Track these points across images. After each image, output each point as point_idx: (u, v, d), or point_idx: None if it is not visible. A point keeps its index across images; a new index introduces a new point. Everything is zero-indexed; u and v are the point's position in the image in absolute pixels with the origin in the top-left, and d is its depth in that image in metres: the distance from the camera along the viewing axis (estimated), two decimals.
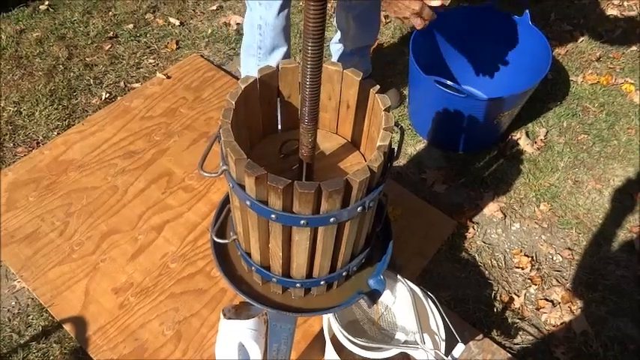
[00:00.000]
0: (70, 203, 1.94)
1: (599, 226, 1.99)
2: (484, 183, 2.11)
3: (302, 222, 0.82)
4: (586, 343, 1.70)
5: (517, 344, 1.69)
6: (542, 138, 2.27)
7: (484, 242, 1.94)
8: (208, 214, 1.92)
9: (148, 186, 2.00)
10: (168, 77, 2.42)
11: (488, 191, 2.08)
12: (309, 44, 0.72)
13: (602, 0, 2.96)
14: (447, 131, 2.15)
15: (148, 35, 2.66)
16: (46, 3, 2.77)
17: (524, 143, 2.24)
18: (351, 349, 1.29)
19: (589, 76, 2.53)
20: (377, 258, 1.11)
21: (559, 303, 1.79)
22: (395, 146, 0.95)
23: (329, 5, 2.56)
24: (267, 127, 1.04)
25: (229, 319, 1.10)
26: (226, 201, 1.11)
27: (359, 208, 0.84)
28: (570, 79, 2.53)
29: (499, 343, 1.67)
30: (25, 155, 2.10)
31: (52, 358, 1.60)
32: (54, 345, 1.62)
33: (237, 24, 2.73)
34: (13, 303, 1.72)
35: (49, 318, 1.68)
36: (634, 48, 2.68)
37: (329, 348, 1.42)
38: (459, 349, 1.26)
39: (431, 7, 1.33)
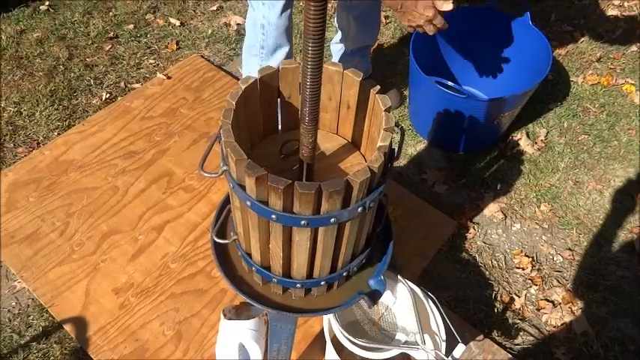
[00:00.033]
0: (71, 203, 1.94)
1: (600, 227, 1.99)
2: (484, 183, 2.11)
3: (302, 222, 0.81)
4: (586, 343, 1.70)
5: (518, 345, 1.69)
6: (543, 138, 2.27)
7: (485, 243, 1.94)
8: (209, 214, 1.92)
9: (149, 186, 2.00)
10: (169, 77, 2.42)
11: (488, 192, 2.08)
12: (310, 44, 0.72)
13: (603, 0, 2.96)
14: (447, 132, 2.15)
15: (148, 35, 2.66)
16: (47, 3, 2.77)
17: (524, 144, 2.24)
18: (351, 350, 1.29)
19: (589, 76, 2.53)
20: (377, 258, 1.11)
21: (559, 303, 1.78)
22: (395, 147, 0.95)
23: (329, 5, 2.56)
24: (267, 128, 1.04)
25: (230, 319, 1.10)
26: (227, 201, 1.11)
27: (359, 209, 0.83)
28: (571, 79, 2.53)
29: (500, 344, 1.67)
30: (25, 156, 2.10)
31: (52, 358, 1.60)
32: (54, 345, 1.62)
33: (238, 24, 2.73)
34: (14, 303, 1.72)
35: (50, 318, 1.68)
36: (634, 48, 2.68)
37: (329, 348, 1.42)
38: (459, 349, 1.26)
39: (441, 14, 1.37)
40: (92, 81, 2.41)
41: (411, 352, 1.34)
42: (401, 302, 1.45)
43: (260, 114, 0.99)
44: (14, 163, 2.07)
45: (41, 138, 2.18)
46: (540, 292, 1.81)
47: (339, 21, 2.10)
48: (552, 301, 1.79)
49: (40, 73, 2.42)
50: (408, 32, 2.71)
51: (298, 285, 1.00)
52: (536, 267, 1.88)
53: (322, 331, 1.51)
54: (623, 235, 1.97)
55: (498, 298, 1.79)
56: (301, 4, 2.61)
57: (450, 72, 2.33)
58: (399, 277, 1.36)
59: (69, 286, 1.73)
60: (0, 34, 2.59)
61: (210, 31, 2.69)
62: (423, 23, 1.39)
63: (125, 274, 1.77)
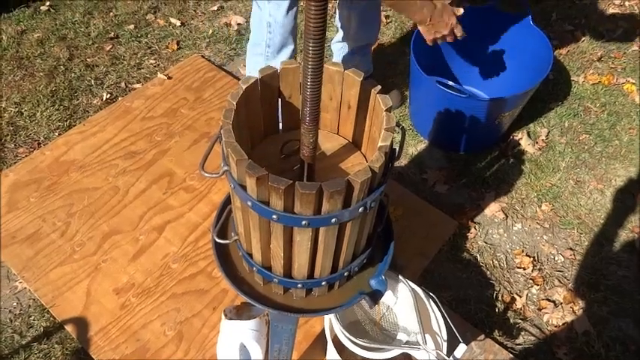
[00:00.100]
0: (72, 204, 1.94)
1: (601, 227, 1.99)
2: (485, 183, 2.11)
3: (303, 222, 0.81)
4: (588, 343, 1.69)
5: (519, 344, 1.69)
6: (544, 138, 2.27)
7: (485, 242, 1.94)
8: (209, 214, 1.92)
9: (149, 186, 2.00)
10: (169, 78, 2.42)
11: (489, 191, 2.07)
12: (310, 44, 0.72)
13: (604, 0, 2.96)
14: (448, 131, 2.15)
15: (148, 36, 2.66)
16: (47, 4, 2.77)
17: (525, 143, 2.23)
18: (352, 350, 1.29)
19: (590, 76, 2.53)
20: (378, 258, 1.11)
21: (561, 303, 1.78)
22: (396, 147, 0.95)
23: (330, 5, 2.56)
24: (268, 128, 1.03)
25: (231, 319, 1.10)
26: (227, 201, 1.11)
27: (360, 209, 0.83)
28: (572, 79, 2.53)
29: (501, 344, 1.66)
30: (26, 156, 2.10)
31: (53, 358, 1.60)
32: (55, 346, 1.62)
33: (238, 24, 2.73)
34: (15, 304, 1.73)
35: (51, 319, 1.68)
36: (635, 48, 2.67)
37: (330, 348, 1.42)
38: (460, 349, 1.26)
39: (459, 21, 1.54)
40: (93, 81, 2.41)
41: (413, 352, 1.34)
42: (402, 302, 1.45)
43: (261, 114, 0.99)
44: (15, 163, 2.08)
45: (42, 138, 2.18)
46: (541, 292, 1.81)
47: (340, 19, 2.10)
48: (553, 301, 1.79)
49: (41, 74, 2.42)
50: (409, 32, 2.71)
51: (299, 285, 0.99)
52: (538, 267, 1.87)
53: (323, 331, 1.51)
54: (624, 235, 1.97)
55: (499, 298, 1.79)
56: (301, 3, 2.61)
57: (451, 72, 2.33)
58: (400, 277, 1.36)
59: (70, 286, 1.74)
60: (1, 34, 2.59)
61: (210, 31, 2.69)
62: (448, 32, 1.54)
63: (126, 274, 1.77)
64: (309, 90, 0.78)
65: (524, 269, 1.86)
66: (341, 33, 2.15)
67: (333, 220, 0.82)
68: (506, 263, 1.88)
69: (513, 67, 2.22)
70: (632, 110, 2.39)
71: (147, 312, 1.68)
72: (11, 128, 2.20)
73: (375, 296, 1.04)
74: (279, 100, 0.99)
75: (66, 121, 2.24)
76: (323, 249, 0.90)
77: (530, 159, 2.19)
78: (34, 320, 1.68)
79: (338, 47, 2.23)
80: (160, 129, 2.20)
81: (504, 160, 2.19)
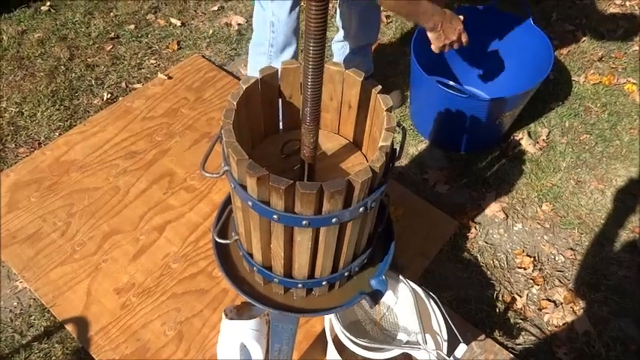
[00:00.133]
0: (72, 204, 1.94)
1: (602, 227, 1.98)
2: (486, 183, 2.11)
3: (304, 222, 0.81)
4: (588, 343, 1.69)
5: (519, 345, 1.69)
6: (545, 138, 2.27)
7: (486, 242, 1.94)
8: (210, 214, 1.92)
9: (150, 186, 2.00)
10: (170, 78, 2.42)
11: (490, 191, 2.07)
12: (311, 44, 0.72)
13: (604, 0, 2.96)
14: (448, 131, 2.15)
15: (149, 36, 2.66)
16: (48, 4, 2.77)
17: (526, 143, 2.23)
18: (353, 350, 1.29)
19: (591, 76, 2.53)
20: (379, 258, 1.11)
21: (561, 303, 1.78)
22: (397, 146, 0.95)
23: (330, 5, 2.56)
24: (268, 128, 1.04)
25: (231, 319, 1.10)
26: (228, 201, 1.11)
27: (361, 209, 0.83)
28: (572, 79, 2.53)
29: (501, 344, 1.66)
30: (26, 156, 2.10)
31: (54, 358, 1.60)
32: (56, 345, 1.62)
33: (239, 24, 2.73)
34: (15, 303, 1.73)
35: (51, 318, 1.68)
36: (636, 48, 2.67)
37: (331, 348, 1.42)
38: (461, 349, 1.26)
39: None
40: (93, 81, 2.42)
41: (413, 352, 1.33)
42: (402, 302, 1.45)
43: (261, 114, 0.99)
44: (15, 163, 2.08)
45: (42, 138, 2.18)
46: (542, 292, 1.81)
47: (341, 18, 2.10)
48: (554, 301, 1.79)
49: (42, 74, 2.42)
50: (409, 32, 2.71)
51: (300, 285, 0.99)
52: (538, 267, 1.87)
53: (324, 331, 1.51)
54: (625, 235, 1.96)
55: (500, 298, 1.79)
56: (302, 3, 2.61)
57: (452, 72, 2.33)
58: (401, 277, 1.36)
59: (70, 286, 1.74)
60: (1, 34, 2.59)
61: (211, 31, 2.69)
62: (455, 38, 1.58)
63: (126, 274, 1.77)
64: (309, 90, 0.78)
65: (525, 269, 1.86)
66: (341, 33, 2.15)
67: (334, 220, 0.82)
68: (507, 263, 1.88)
69: (514, 67, 2.22)
70: (633, 110, 2.39)
71: (147, 312, 1.68)
72: (12, 128, 2.20)
73: (376, 296, 1.04)
74: (280, 100, 0.99)
75: (66, 121, 2.24)
76: (323, 249, 0.90)
77: (530, 159, 2.19)
78: (34, 320, 1.68)
79: (338, 47, 2.23)
80: (160, 129, 2.20)
81: (505, 160, 2.19)
